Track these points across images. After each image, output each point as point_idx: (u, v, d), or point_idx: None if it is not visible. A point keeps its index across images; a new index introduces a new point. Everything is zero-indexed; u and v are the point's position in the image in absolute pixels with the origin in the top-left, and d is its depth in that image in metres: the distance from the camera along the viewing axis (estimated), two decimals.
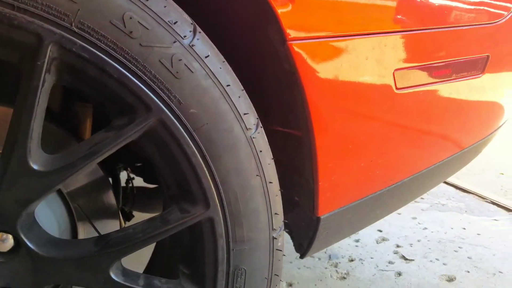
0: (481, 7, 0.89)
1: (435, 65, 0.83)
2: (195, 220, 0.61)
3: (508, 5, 0.91)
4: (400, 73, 0.79)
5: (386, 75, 0.77)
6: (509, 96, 1.03)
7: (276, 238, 0.68)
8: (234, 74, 0.63)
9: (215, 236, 0.63)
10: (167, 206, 0.67)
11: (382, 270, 1.49)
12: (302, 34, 0.66)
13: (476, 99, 0.95)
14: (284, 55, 0.67)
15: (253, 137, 0.63)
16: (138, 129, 0.58)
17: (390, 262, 1.55)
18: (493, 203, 2.24)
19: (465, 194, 2.42)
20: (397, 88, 0.79)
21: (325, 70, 0.70)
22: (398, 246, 1.68)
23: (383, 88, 0.78)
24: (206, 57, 0.59)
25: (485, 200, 2.30)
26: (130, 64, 0.55)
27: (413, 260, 1.55)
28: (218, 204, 0.62)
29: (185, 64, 0.57)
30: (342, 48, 0.70)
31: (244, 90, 0.64)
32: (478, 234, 1.75)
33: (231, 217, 0.63)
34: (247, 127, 0.62)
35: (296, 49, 0.66)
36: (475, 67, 0.90)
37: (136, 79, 0.55)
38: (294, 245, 0.99)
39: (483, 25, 0.87)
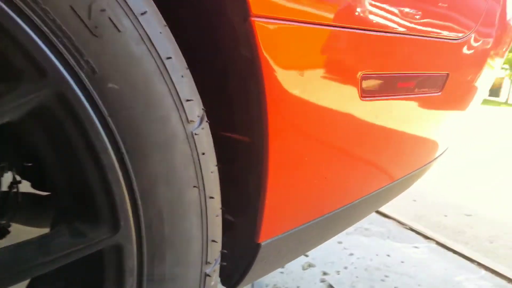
0: (447, 22, 0.85)
1: (401, 75, 0.76)
2: (93, 249, 0.43)
3: (469, 24, 0.89)
4: (367, 78, 0.69)
5: (354, 78, 0.67)
6: (458, 120, 1.02)
7: (209, 276, 0.52)
8: (177, 46, 0.47)
9: (123, 272, 0.45)
10: (55, 224, 0.47)
11: None
12: (271, 12, 0.52)
13: (432, 118, 0.91)
14: (244, 36, 0.53)
15: (195, 134, 0.47)
16: (21, 104, 0.38)
17: None
18: (412, 230, 2.33)
19: (386, 219, 2.49)
20: (362, 96, 0.70)
21: (293, 61, 0.57)
22: (325, 273, 1.61)
23: (350, 93, 0.67)
24: (142, 14, 0.42)
25: (404, 226, 2.38)
26: (23, 5, 0.36)
27: None
28: (133, 226, 0.44)
29: (110, 18, 0.40)
30: (317, 38, 0.59)
31: (188, 69, 0.48)
32: (402, 262, 1.77)
33: (149, 246, 0.45)
34: (189, 119, 0.46)
35: (260, 29, 0.52)
36: (436, 84, 0.85)
37: (29, 28, 0.37)
38: (220, 276, 0.83)
39: (447, 40, 0.83)
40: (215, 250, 0.52)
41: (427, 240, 2.14)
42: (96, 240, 0.43)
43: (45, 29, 0.37)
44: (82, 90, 0.39)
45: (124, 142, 0.42)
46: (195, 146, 0.47)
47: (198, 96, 0.49)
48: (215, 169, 0.51)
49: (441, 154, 1.09)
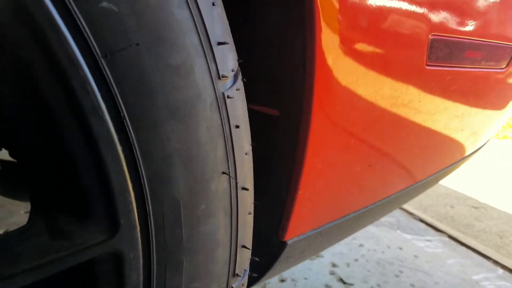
0: None
1: (471, 41, 0.62)
2: (82, 257, 0.29)
3: None
4: (436, 40, 0.55)
5: (421, 40, 0.53)
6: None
7: None
8: None
9: None
10: (30, 218, 0.33)
11: None
12: None
13: (492, 98, 0.77)
14: None
15: (228, 96, 0.33)
16: None
17: (327, 286, 1.35)
18: (421, 221, 2.23)
19: None
20: (428, 62, 0.56)
21: (353, 17, 0.43)
22: (334, 265, 1.50)
23: (416, 57, 0.53)
24: None
25: (413, 216, 2.28)
26: None
27: (352, 284, 1.38)
28: (138, 226, 0.30)
29: None
30: None
31: None
32: (416, 256, 1.66)
33: (160, 254, 0.32)
34: (220, 74, 0.32)
35: None
36: (503, 56, 0.71)
37: None
38: None
39: None
40: (245, 258, 0.39)
41: (439, 233, 2.04)
42: (85, 244, 0.29)
43: None
44: (59, 9, 0.25)
45: (125, 100, 0.28)
46: (227, 114, 0.33)
47: (231, 38, 0.34)
48: (249, 149, 0.37)
49: (484, 144, 0.96)
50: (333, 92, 0.48)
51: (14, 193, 0.99)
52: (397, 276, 1.47)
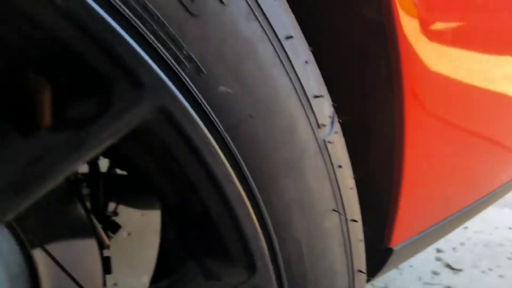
0: None
1: None
2: None
3: None
4: None
5: None
6: None
7: None
8: (294, 17, 0.34)
9: None
10: (176, 263, 0.40)
11: (428, 284, 1.25)
12: None
13: None
14: None
15: (329, 142, 0.35)
16: (115, 130, 0.29)
17: (434, 273, 1.30)
18: None
19: None
20: None
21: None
22: (439, 251, 1.43)
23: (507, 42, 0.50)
24: None
25: None
26: None
27: (461, 270, 1.31)
28: (271, 265, 0.34)
29: None
30: None
31: (311, 52, 0.35)
32: None
33: (291, 287, 0.36)
34: (319, 123, 0.34)
35: None
36: None
37: (111, 17, 0.26)
38: None
39: None
40: (362, 281, 0.41)
41: None
42: (233, 283, 0.34)
43: (131, 16, 0.26)
44: (189, 100, 0.29)
45: (247, 163, 0.32)
46: (330, 158, 0.36)
47: (326, 89, 0.36)
48: (353, 183, 0.39)
49: None
50: (424, 101, 0.47)
51: (132, 202, 1.09)
52: (509, 258, 1.36)
